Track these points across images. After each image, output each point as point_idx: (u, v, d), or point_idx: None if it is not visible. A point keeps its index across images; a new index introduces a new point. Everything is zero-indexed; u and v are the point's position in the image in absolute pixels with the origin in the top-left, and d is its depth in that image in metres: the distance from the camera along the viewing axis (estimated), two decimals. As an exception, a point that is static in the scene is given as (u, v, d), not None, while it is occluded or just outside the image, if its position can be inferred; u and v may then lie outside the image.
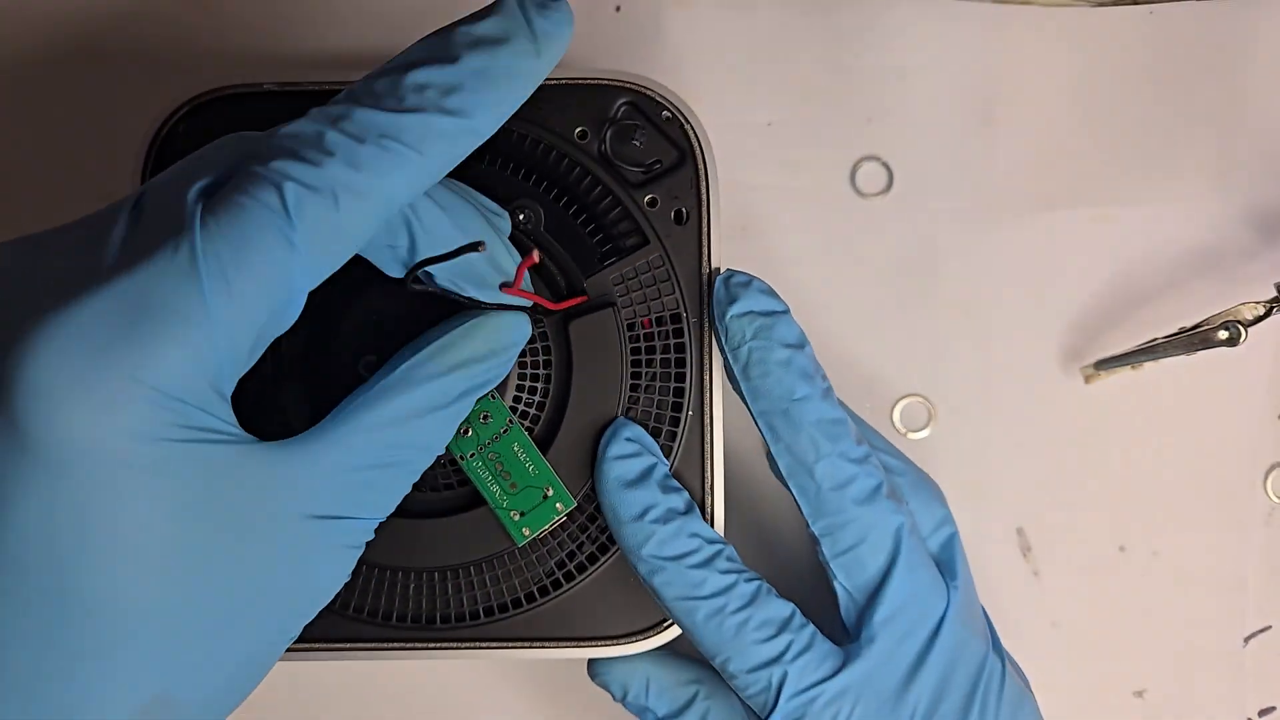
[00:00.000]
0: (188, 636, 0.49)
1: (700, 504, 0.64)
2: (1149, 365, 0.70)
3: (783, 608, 0.62)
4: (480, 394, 0.57)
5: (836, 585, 0.63)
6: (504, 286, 0.58)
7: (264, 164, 0.48)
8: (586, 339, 0.63)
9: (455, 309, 0.58)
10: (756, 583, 0.62)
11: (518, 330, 0.58)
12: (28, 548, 0.46)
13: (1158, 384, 0.73)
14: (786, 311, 0.63)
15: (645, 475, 0.62)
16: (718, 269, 0.64)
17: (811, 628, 0.62)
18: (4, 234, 0.70)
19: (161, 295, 0.46)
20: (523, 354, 0.63)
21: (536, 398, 0.63)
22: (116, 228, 0.49)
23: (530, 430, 0.63)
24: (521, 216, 0.63)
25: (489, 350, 0.57)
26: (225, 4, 0.73)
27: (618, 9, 0.73)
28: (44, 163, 0.73)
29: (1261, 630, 0.74)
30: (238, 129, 0.59)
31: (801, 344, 0.63)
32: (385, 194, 0.49)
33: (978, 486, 0.73)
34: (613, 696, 0.66)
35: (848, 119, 0.74)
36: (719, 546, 0.62)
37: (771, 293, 0.63)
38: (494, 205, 0.60)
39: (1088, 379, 0.72)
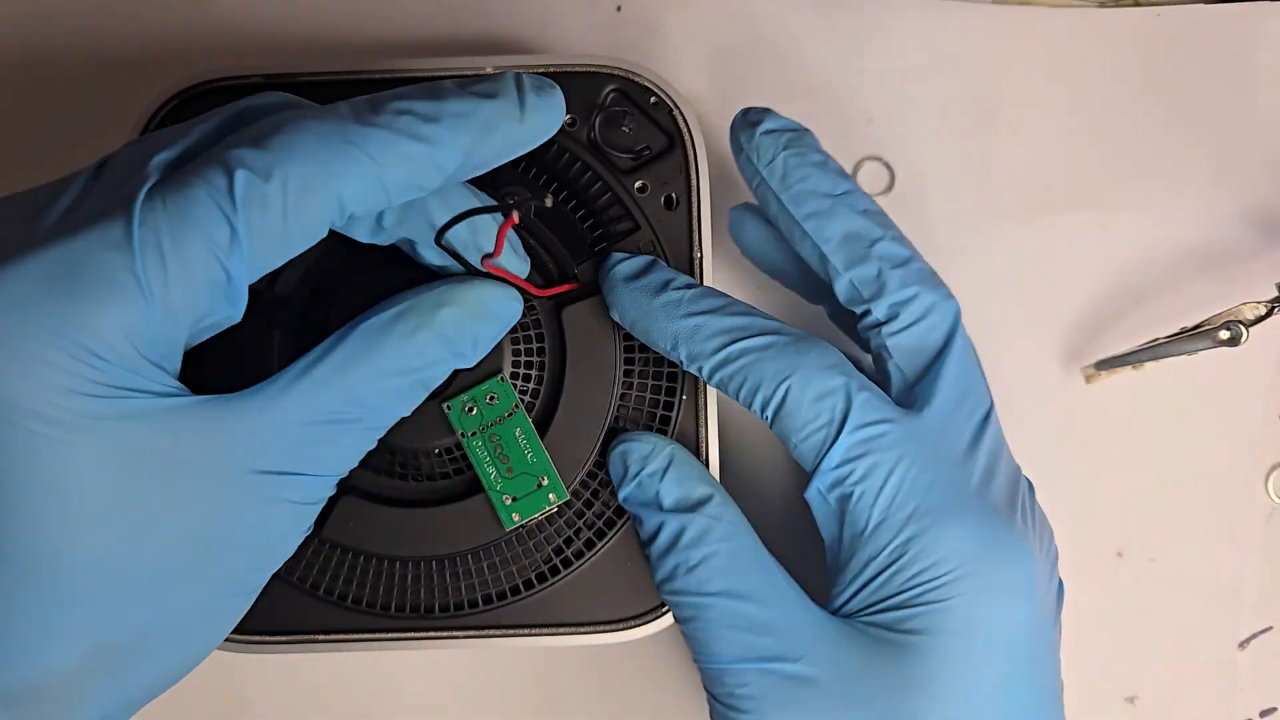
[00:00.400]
0: (128, 586, 0.50)
1: None
2: (1150, 365, 0.70)
3: (840, 356, 0.62)
4: (453, 364, 0.57)
5: (890, 365, 0.62)
6: (486, 258, 0.59)
7: (225, 149, 0.50)
8: (579, 325, 0.63)
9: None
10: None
11: (505, 304, 0.59)
12: None
13: (1159, 384, 0.73)
14: (809, 130, 0.64)
15: (651, 265, 0.63)
16: (745, 113, 0.64)
17: (863, 376, 0.62)
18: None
19: (95, 263, 0.48)
20: (516, 341, 0.63)
21: (531, 384, 0.64)
22: (67, 193, 0.51)
23: None
24: (511, 202, 0.63)
25: (467, 316, 0.57)
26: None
27: (618, 9, 0.73)
28: (34, 154, 0.73)
29: (1263, 631, 0.74)
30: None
31: (829, 155, 0.64)
32: (334, 194, 0.51)
33: None
34: (621, 477, 0.64)
35: (849, 119, 0.74)
36: (750, 304, 0.62)
37: (789, 119, 0.64)
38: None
39: (1088, 379, 0.72)
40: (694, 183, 0.65)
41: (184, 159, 0.51)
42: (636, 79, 0.65)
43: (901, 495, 0.59)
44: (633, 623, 0.65)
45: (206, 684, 0.73)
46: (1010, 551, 0.60)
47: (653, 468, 0.63)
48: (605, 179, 0.65)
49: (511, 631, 0.65)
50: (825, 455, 0.60)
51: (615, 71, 0.65)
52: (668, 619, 0.65)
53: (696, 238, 0.65)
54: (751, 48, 0.74)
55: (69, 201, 0.51)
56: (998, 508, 0.61)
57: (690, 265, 0.65)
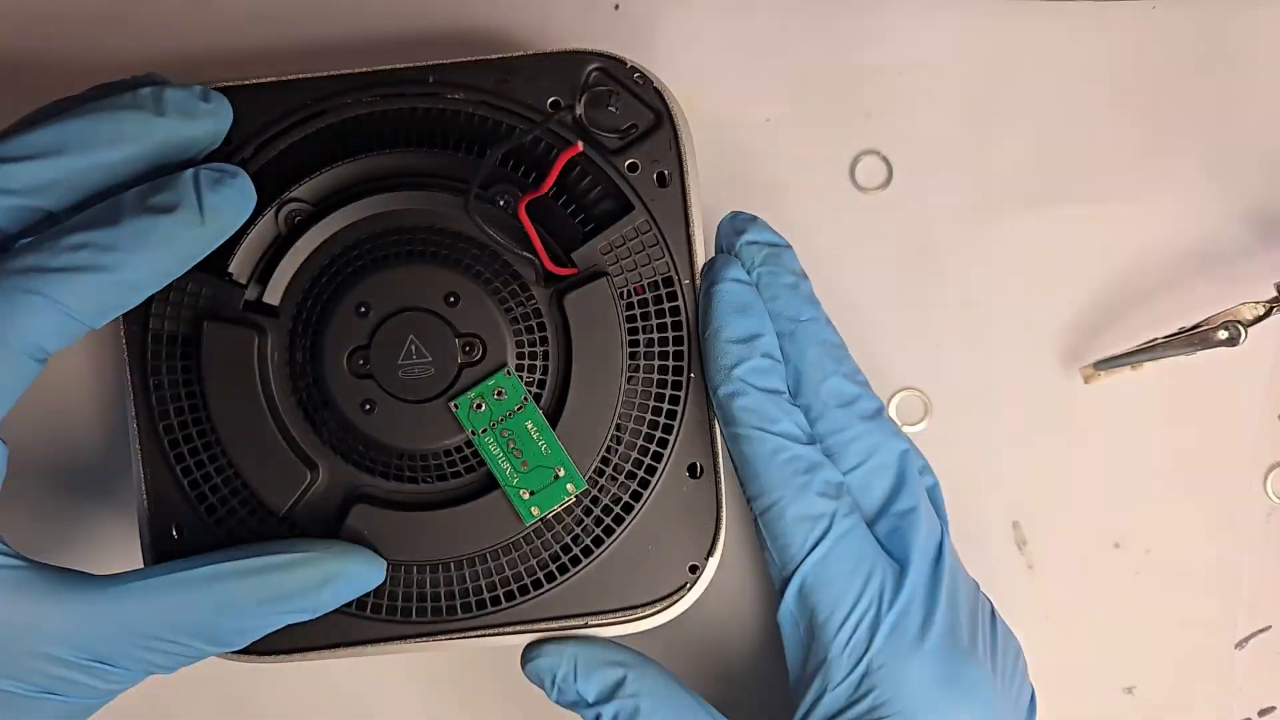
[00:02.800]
0: None
1: (711, 467, 0.64)
2: (1149, 365, 0.70)
3: (838, 477, 0.63)
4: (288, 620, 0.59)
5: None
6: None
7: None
8: (582, 312, 0.63)
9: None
10: (821, 455, 0.63)
11: (369, 576, 0.61)
12: None
13: (1157, 384, 0.73)
14: (790, 246, 0.65)
15: (758, 309, 0.63)
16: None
17: (858, 513, 0.63)
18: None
19: None
20: (519, 332, 0.63)
21: (537, 375, 0.63)
22: None
23: None
24: (502, 202, 0.63)
25: (316, 585, 0.59)
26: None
27: (616, 7, 0.73)
28: None
29: (1261, 630, 0.73)
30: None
31: (804, 275, 0.65)
32: (29, 342, 0.54)
33: (974, 479, 0.73)
34: (544, 689, 0.64)
35: (847, 113, 0.74)
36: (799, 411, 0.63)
37: (774, 230, 0.65)
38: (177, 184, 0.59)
39: (1087, 379, 0.71)
40: (684, 158, 0.64)
41: None
42: (617, 56, 0.65)
43: (863, 627, 0.61)
44: (657, 607, 0.64)
45: (215, 687, 0.73)
46: (968, 687, 0.62)
47: (562, 672, 0.63)
48: (595, 160, 0.64)
49: (533, 626, 0.64)
50: (798, 570, 0.61)
51: (594, 50, 0.65)
52: (676, 610, 0.65)
53: (691, 214, 0.64)
54: (750, 43, 0.74)
55: None
56: (957, 640, 0.62)
57: (688, 242, 0.64)
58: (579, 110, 0.64)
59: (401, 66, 0.64)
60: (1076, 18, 0.74)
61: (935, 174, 0.74)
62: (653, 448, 0.64)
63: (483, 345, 0.62)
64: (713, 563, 0.64)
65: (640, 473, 0.64)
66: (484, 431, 0.62)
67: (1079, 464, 0.74)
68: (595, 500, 0.64)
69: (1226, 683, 0.74)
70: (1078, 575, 0.74)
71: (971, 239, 0.74)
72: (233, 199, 0.57)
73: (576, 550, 0.64)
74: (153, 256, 0.55)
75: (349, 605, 0.62)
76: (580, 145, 0.61)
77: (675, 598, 0.64)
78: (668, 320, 0.64)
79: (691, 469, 0.64)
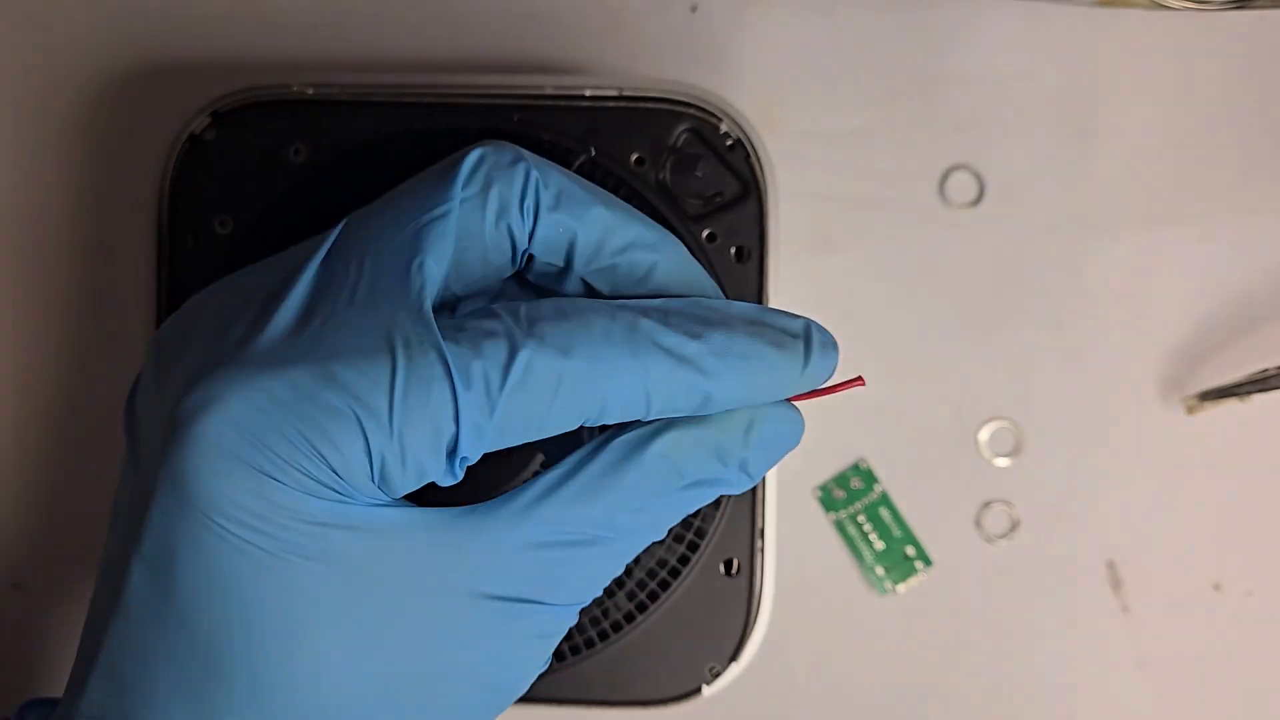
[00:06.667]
0: (351, 712, 0.47)
1: (749, 567, 0.62)
2: (1258, 397, 0.67)
3: None
4: (718, 491, 0.51)
5: None
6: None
7: (528, 329, 0.46)
8: None
9: None
10: None
11: (790, 430, 0.52)
12: (193, 602, 0.45)
13: (1267, 417, 0.70)
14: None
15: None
16: None
17: None
18: (14, 232, 0.70)
19: (359, 393, 0.45)
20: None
21: None
22: (316, 287, 0.48)
23: None
24: None
25: (742, 430, 0.50)
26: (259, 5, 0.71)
27: (693, 9, 0.70)
28: (63, 165, 0.71)
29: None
30: (266, 135, 0.60)
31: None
32: (601, 396, 0.47)
33: (1067, 515, 0.71)
34: None
35: (937, 125, 0.71)
36: None
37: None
38: (792, 326, 0.51)
39: (1190, 410, 0.69)
40: (767, 236, 0.61)
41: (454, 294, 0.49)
42: (711, 120, 0.61)
43: None
44: (666, 707, 0.62)
45: None
46: None
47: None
48: (673, 226, 0.61)
49: (525, 705, 0.62)
50: None
51: (690, 109, 0.61)
52: (702, 699, 0.63)
53: (766, 295, 0.61)
54: (834, 48, 0.71)
55: (331, 304, 0.47)
56: None
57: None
58: (664, 174, 0.61)
59: (487, 97, 0.61)
60: (1182, 26, 0.71)
61: (1029, 191, 0.71)
62: (689, 535, 0.61)
63: None
64: (735, 669, 0.62)
65: (672, 560, 0.61)
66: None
67: (1179, 501, 0.71)
68: (619, 582, 0.61)
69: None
70: (1175, 619, 0.72)
71: (1067, 260, 0.71)
72: (827, 364, 0.50)
73: (593, 632, 0.62)
74: (743, 381, 0.48)
75: None
76: (864, 381, 0.53)
77: (687, 700, 0.62)
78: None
79: (728, 565, 0.62)
